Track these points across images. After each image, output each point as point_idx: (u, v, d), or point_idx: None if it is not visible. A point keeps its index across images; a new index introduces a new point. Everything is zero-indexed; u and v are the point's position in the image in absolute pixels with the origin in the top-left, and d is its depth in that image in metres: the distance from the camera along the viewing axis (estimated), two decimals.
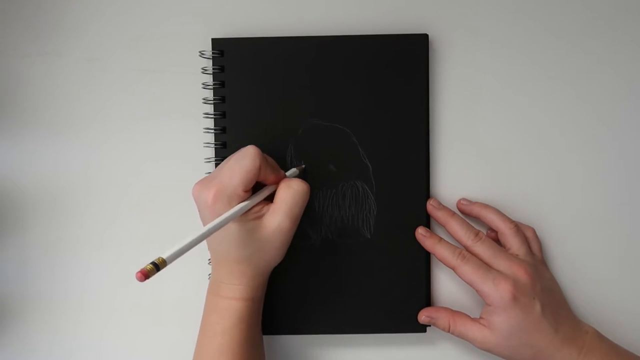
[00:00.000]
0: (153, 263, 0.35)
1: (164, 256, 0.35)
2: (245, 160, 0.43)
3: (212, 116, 0.51)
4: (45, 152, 0.52)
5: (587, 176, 0.52)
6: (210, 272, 0.52)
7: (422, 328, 0.51)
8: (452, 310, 0.50)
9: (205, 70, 0.51)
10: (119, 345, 0.53)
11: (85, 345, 0.53)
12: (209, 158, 0.51)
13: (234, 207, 0.42)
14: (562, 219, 0.52)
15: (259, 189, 0.45)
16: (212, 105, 0.51)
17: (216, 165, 0.51)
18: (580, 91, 0.52)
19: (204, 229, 0.39)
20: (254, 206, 0.44)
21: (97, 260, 0.52)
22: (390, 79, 0.50)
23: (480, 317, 0.48)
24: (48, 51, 0.52)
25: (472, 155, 0.52)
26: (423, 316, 0.50)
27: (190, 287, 0.52)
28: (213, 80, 0.51)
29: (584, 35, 0.52)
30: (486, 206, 0.51)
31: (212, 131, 0.51)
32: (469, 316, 0.49)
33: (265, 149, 0.48)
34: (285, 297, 0.51)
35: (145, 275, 0.34)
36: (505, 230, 0.49)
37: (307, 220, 0.51)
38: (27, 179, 0.52)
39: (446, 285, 0.52)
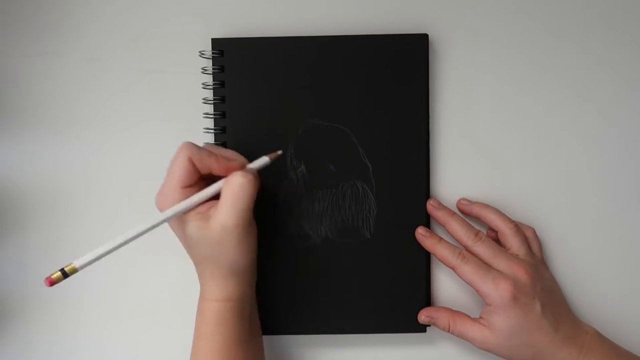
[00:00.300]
0: (62, 270, 0.35)
1: (77, 265, 0.36)
2: (177, 156, 0.43)
3: (212, 116, 0.51)
4: (45, 152, 0.52)
5: (587, 176, 0.52)
6: None
7: (422, 328, 0.51)
8: (452, 310, 0.50)
9: (205, 70, 0.51)
10: (119, 345, 0.53)
11: (85, 345, 0.53)
12: None
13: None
14: (562, 219, 0.52)
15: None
16: (212, 105, 0.51)
17: None
18: (581, 91, 0.52)
19: (116, 240, 0.39)
20: (199, 206, 0.43)
21: (98, 261, 0.52)
22: (390, 79, 0.50)
23: (480, 317, 0.48)
24: (48, 51, 0.52)
25: (472, 155, 0.52)
26: (423, 316, 0.50)
27: (189, 288, 0.52)
28: (213, 80, 0.51)
29: (584, 35, 0.52)
30: (486, 206, 0.51)
31: (212, 131, 0.51)
32: (468, 316, 0.49)
33: (265, 149, 0.48)
34: (285, 297, 0.51)
35: (52, 282, 0.35)
36: (505, 230, 0.49)
37: (307, 220, 0.51)
38: (27, 179, 0.52)
39: (446, 285, 0.52)
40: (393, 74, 0.50)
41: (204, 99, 0.51)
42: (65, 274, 0.35)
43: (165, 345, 0.53)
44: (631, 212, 0.53)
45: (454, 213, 0.50)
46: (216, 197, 0.43)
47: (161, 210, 0.43)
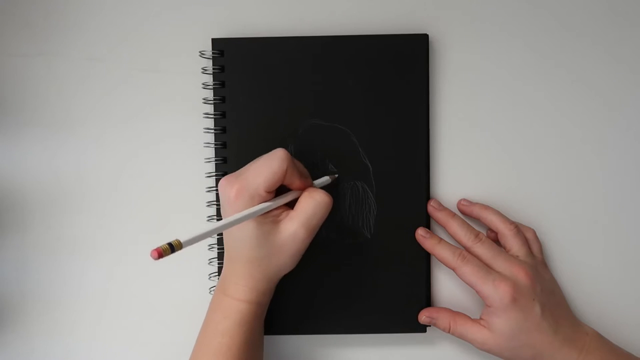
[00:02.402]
0: (169, 244, 0.35)
1: (182, 240, 0.36)
2: (273, 162, 0.43)
3: (212, 116, 0.51)
4: (45, 151, 0.52)
5: (588, 177, 0.52)
6: (210, 272, 0.52)
7: (422, 328, 0.51)
8: (452, 310, 0.50)
9: (205, 70, 0.51)
10: (117, 344, 0.53)
11: (83, 344, 0.53)
12: (209, 158, 0.51)
13: (254, 206, 0.42)
14: (563, 220, 0.52)
15: (283, 193, 0.45)
16: (212, 105, 0.51)
17: (216, 165, 0.51)
18: (581, 92, 0.52)
19: (222, 222, 0.40)
20: (273, 209, 0.44)
21: (95, 260, 0.52)
22: (390, 79, 0.50)
23: (481, 318, 0.48)
24: (48, 51, 0.52)
25: (472, 156, 0.52)
26: (423, 316, 0.50)
27: (188, 288, 0.52)
28: (213, 80, 0.51)
29: (585, 35, 0.52)
30: (486, 207, 0.51)
31: (212, 131, 0.51)
32: (469, 317, 0.49)
33: (266, 149, 0.48)
34: (284, 297, 0.51)
35: (160, 254, 0.34)
36: (506, 232, 0.49)
37: None
38: (27, 178, 0.52)
39: (446, 285, 0.52)
40: (393, 74, 0.50)
41: (204, 99, 0.51)
42: (172, 248, 0.34)
43: (164, 345, 0.53)
44: (632, 213, 0.53)
45: (454, 214, 0.50)
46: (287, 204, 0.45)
47: (231, 199, 0.43)
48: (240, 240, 0.44)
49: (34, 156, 0.52)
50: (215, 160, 0.51)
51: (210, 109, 0.51)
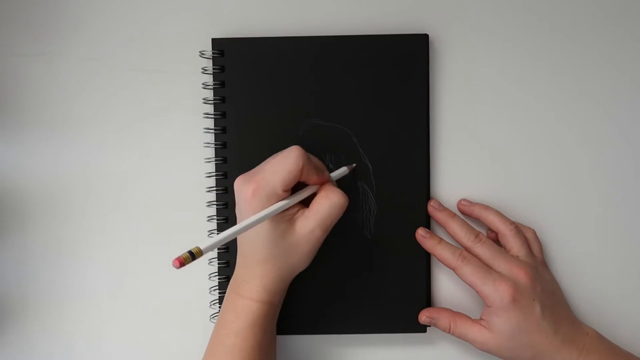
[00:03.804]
0: (190, 252, 0.35)
1: (202, 247, 0.36)
2: (289, 160, 0.43)
3: (212, 116, 0.51)
4: (45, 152, 0.52)
5: (588, 177, 0.52)
6: (210, 272, 0.52)
7: (422, 328, 0.51)
8: (452, 311, 0.50)
9: (205, 70, 0.51)
10: (118, 345, 0.53)
11: (84, 345, 0.53)
12: (209, 158, 0.51)
13: (271, 205, 0.42)
14: (563, 220, 0.52)
15: (299, 189, 0.45)
16: (212, 105, 0.51)
17: (216, 165, 0.51)
18: (582, 91, 0.52)
19: (240, 225, 0.40)
20: (289, 208, 0.44)
21: (96, 260, 0.52)
22: (390, 79, 0.50)
23: (481, 318, 0.48)
24: (48, 51, 0.52)
25: (472, 156, 0.52)
26: (424, 316, 0.50)
27: (189, 288, 0.52)
28: (213, 80, 0.51)
29: (585, 33, 0.52)
30: (487, 207, 0.51)
31: (212, 131, 0.51)
32: (469, 317, 0.49)
33: (265, 149, 0.48)
34: (284, 298, 0.51)
35: (181, 263, 0.35)
36: (506, 232, 0.49)
37: None
38: (27, 178, 0.52)
39: (446, 285, 0.52)
40: (393, 74, 0.50)
41: (204, 99, 0.51)
42: (192, 256, 0.35)
43: (164, 345, 0.53)
44: (632, 213, 0.53)
45: (454, 214, 0.50)
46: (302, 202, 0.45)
47: (248, 198, 0.43)
48: (256, 239, 0.44)
49: (35, 156, 0.52)
50: (215, 160, 0.51)
51: (210, 109, 0.51)
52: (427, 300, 0.51)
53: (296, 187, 0.45)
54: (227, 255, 0.51)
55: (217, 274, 0.51)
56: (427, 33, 0.51)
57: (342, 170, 0.49)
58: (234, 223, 0.49)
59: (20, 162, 0.52)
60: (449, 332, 0.49)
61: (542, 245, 0.52)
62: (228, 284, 0.51)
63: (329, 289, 0.51)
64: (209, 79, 0.51)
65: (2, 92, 0.52)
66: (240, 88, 0.50)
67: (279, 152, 0.45)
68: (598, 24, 0.52)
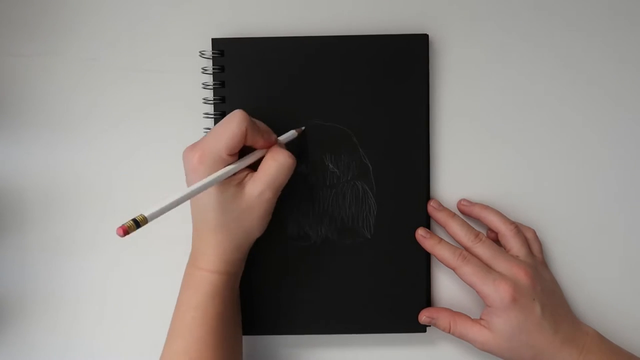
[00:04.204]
0: (134, 220, 0.34)
1: (146, 214, 0.35)
2: (232, 124, 0.43)
3: (212, 116, 0.51)
4: (44, 151, 0.52)
5: (588, 177, 0.52)
6: None
7: (422, 328, 0.51)
8: (452, 311, 0.50)
9: (205, 70, 0.51)
10: (116, 343, 0.53)
11: (83, 343, 0.53)
12: None
13: (218, 170, 0.42)
14: (563, 220, 0.52)
15: (247, 154, 0.45)
16: (212, 105, 0.51)
17: None
18: (582, 91, 0.52)
19: (186, 190, 0.39)
20: (237, 173, 0.44)
21: (94, 260, 0.52)
22: (390, 79, 0.50)
23: (481, 318, 0.48)
24: (47, 51, 0.52)
25: (472, 156, 0.52)
26: (424, 316, 0.50)
27: None
28: (213, 80, 0.51)
29: (585, 34, 0.52)
30: (486, 207, 0.51)
31: None
32: (469, 317, 0.49)
33: None
34: (285, 297, 0.51)
35: (125, 231, 0.34)
36: (506, 232, 0.49)
37: (307, 220, 0.51)
38: (26, 178, 0.52)
39: (446, 285, 0.52)
40: (393, 74, 0.50)
41: (204, 99, 0.51)
42: (137, 224, 0.34)
43: (162, 345, 0.53)
44: (632, 213, 0.53)
45: (454, 214, 0.50)
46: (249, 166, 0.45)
47: (194, 165, 0.43)
48: (206, 208, 0.44)
49: (33, 156, 0.52)
50: None
51: (210, 109, 0.51)
52: (427, 300, 0.51)
53: (244, 153, 0.44)
54: None
55: None
56: (427, 33, 0.51)
57: (291, 134, 0.49)
58: None
59: (18, 162, 0.52)
60: (449, 332, 0.49)
61: (542, 245, 0.52)
62: None
63: (329, 289, 0.51)
64: (209, 79, 0.51)
65: (1, 91, 0.52)
66: (240, 88, 0.50)
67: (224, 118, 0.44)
68: (598, 24, 0.52)
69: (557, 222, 0.52)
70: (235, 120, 0.43)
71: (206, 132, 0.51)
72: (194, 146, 0.44)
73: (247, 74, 0.50)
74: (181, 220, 0.52)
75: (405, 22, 0.52)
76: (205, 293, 0.45)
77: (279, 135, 0.47)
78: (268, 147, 0.45)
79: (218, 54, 0.50)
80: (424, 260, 0.51)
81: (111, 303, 0.53)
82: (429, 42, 0.51)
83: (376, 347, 0.53)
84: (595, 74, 0.52)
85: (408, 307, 0.51)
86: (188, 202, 0.43)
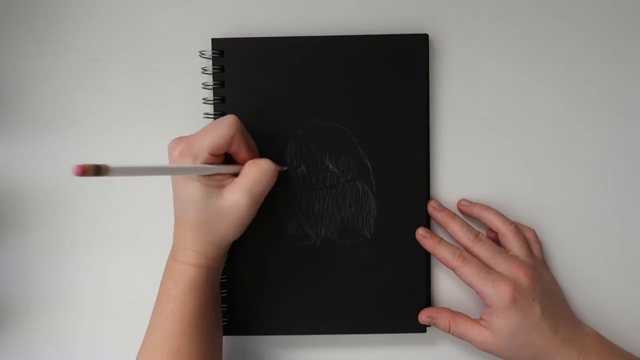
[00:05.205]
0: (96, 165, 0.32)
1: (110, 165, 0.33)
2: (222, 126, 0.43)
3: (212, 116, 0.51)
4: (44, 151, 0.52)
5: (588, 177, 0.52)
6: None
7: (422, 328, 0.51)
8: (452, 310, 0.50)
9: (205, 70, 0.51)
10: (116, 345, 0.53)
11: (83, 344, 0.53)
12: None
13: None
14: (563, 220, 0.52)
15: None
16: (212, 105, 0.51)
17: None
18: (582, 91, 0.52)
19: (155, 164, 0.40)
20: (220, 175, 0.44)
21: (95, 260, 0.52)
22: (390, 79, 0.50)
23: (481, 318, 0.48)
24: (48, 50, 0.52)
25: (472, 156, 0.52)
26: (424, 316, 0.50)
27: None
28: (213, 80, 0.51)
29: (585, 34, 0.52)
30: (486, 207, 0.51)
31: None
32: (469, 317, 0.49)
33: (265, 149, 0.48)
34: (285, 297, 0.51)
35: (83, 170, 0.32)
36: (506, 232, 0.49)
37: (307, 220, 0.51)
38: (26, 178, 0.52)
39: (446, 285, 0.52)
40: (393, 74, 0.50)
41: (204, 99, 0.51)
42: (98, 169, 0.32)
43: None
44: (632, 213, 0.53)
45: (454, 214, 0.50)
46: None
47: (175, 157, 0.43)
48: (187, 203, 0.44)
49: (34, 156, 0.52)
50: None
51: (210, 109, 0.51)
52: (427, 300, 0.51)
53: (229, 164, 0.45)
54: (231, 256, 0.51)
55: None
56: (427, 33, 0.51)
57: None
58: None
59: (18, 162, 0.52)
60: (449, 332, 0.49)
61: (542, 245, 0.51)
62: (227, 283, 0.51)
63: (329, 289, 0.51)
64: (209, 79, 0.51)
65: (2, 91, 0.52)
66: (240, 88, 0.51)
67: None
68: (598, 24, 0.52)
69: (557, 222, 0.52)
70: (226, 122, 0.44)
71: None
72: (179, 139, 0.44)
73: (247, 74, 0.50)
74: None
75: (405, 22, 0.52)
76: (185, 285, 0.45)
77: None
78: (244, 163, 0.45)
79: (218, 54, 0.50)
80: (424, 260, 0.51)
81: (110, 303, 0.53)
82: (429, 42, 0.51)
83: (376, 347, 0.53)
84: (596, 74, 0.52)
85: (408, 307, 0.51)
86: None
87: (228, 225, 0.44)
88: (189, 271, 0.45)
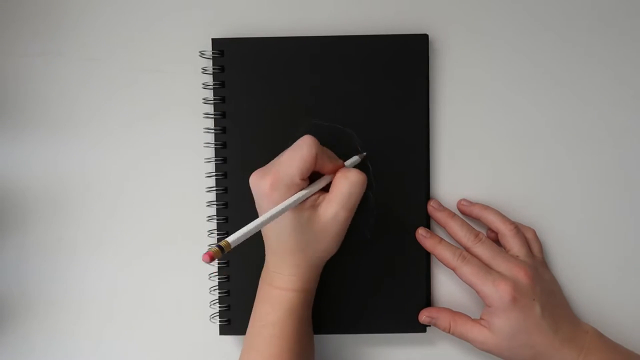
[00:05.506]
0: (218, 246, 0.36)
1: (230, 240, 0.36)
2: (303, 149, 0.43)
3: (212, 116, 0.51)
4: (45, 152, 0.52)
5: (588, 177, 0.52)
6: (210, 272, 0.52)
7: (422, 328, 0.51)
8: (452, 310, 0.50)
9: (205, 70, 0.51)
10: (118, 344, 0.53)
11: (84, 344, 0.53)
12: (209, 158, 0.51)
13: (291, 195, 0.42)
14: (563, 220, 0.52)
15: (316, 180, 0.45)
16: (212, 105, 0.51)
17: (216, 165, 0.51)
18: (581, 92, 0.52)
19: (265, 216, 0.40)
20: (310, 196, 0.44)
21: (96, 260, 0.52)
22: (390, 79, 0.50)
23: (481, 318, 0.48)
24: (48, 51, 0.52)
25: (472, 156, 0.52)
26: (424, 316, 0.50)
27: (188, 288, 0.52)
28: (213, 80, 0.51)
29: (585, 35, 0.52)
30: (486, 207, 0.51)
31: (212, 131, 0.51)
32: (469, 317, 0.49)
33: (265, 149, 0.48)
34: None
35: (212, 257, 0.35)
36: (506, 232, 0.49)
37: None
38: (27, 178, 0.52)
39: (446, 285, 0.52)
40: (393, 74, 0.50)
41: (204, 99, 0.51)
42: (222, 249, 0.36)
43: (163, 345, 0.53)
44: (632, 213, 0.52)
45: (454, 214, 0.50)
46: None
47: (266, 192, 0.43)
48: (282, 232, 0.44)
49: (35, 156, 0.52)
50: (215, 160, 0.51)
51: (210, 109, 0.51)
52: (427, 300, 0.51)
53: (312, 179, 0.45)
54: (226, 255, 0.51)
55: (217, 274, 0.51)
56: (427, 33, 0.51)
57: (355, 159, 0.49)
58: (235, 223, 0.50)
59: (20, 162, 0.52)
60: (449, 332, 0.49)
61: (542, 245, 0.52)
62: (227, 283, 0.51)
63: (328, 289, 0.51)
64: (209, 79, 0.51)
65: (2, 92, 0.52)
66: (240, 88, 0.51)
67: (291, 146, 0.45)
68: (598, 25, 0.52)
69: (557, 222, 0.52)
70: (306, 145, 0.43)
71: (206, 132, 0.51)
72: (263, 172, 0.44)
73: (247, 74, 0.50)
74: (183, 222, 0.52)
75: (405, 22, 0.52)
76: (284, 311, 0.45)
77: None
78: (335, 171, 0.45)
79: (218, 54, 0.50)
80: (424, 260, 0.51)
81: (113, 304, 0.53)
82: (429, 42, 0.51)
83: (376, 347, 0.53)
84: (596, 74, 0.52)
85: (408, 307, 0.51)
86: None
87: (330, 243, 0.45)
88: (286, 296, 0.45)
